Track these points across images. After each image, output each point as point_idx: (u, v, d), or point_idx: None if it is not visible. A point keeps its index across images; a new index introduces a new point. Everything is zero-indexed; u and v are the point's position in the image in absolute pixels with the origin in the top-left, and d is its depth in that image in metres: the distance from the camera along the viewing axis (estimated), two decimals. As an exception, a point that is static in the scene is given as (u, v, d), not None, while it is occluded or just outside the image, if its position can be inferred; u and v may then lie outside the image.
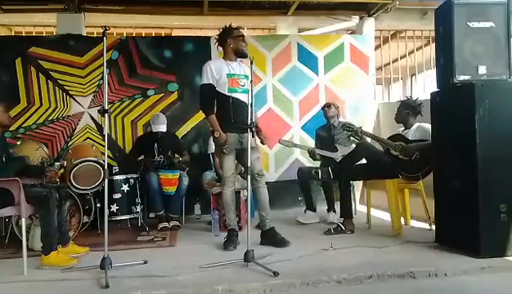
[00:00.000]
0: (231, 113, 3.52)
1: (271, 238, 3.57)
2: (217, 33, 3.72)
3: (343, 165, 4.17)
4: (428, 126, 3.86)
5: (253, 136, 3.19)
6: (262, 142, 3.71)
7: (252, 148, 3.48)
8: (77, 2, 5.26)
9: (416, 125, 4.00)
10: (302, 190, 4.67)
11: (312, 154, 4.59)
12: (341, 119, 4.91)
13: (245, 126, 3.13)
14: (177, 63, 5.38)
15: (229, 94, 3.53)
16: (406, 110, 4.03)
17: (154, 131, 4.63)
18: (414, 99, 4.11)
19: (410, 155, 3.82)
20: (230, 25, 3.64)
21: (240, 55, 3.62)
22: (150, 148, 4.63)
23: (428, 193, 3.78)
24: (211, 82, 3.55)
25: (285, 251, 3.35)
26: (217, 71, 3.54)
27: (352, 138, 4.51)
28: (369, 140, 4.29)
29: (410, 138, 3.93)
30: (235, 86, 3.55)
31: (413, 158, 3.79)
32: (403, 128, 4.11)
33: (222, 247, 3.52)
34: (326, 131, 4.71)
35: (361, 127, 4.22)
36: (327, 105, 4.72)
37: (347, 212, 4.00)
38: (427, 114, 3.61)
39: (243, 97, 3.52)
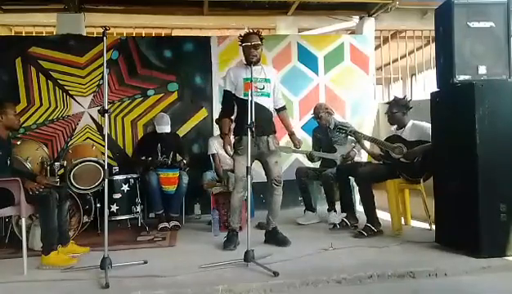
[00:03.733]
0: (247, 117, 3.52)
1: (273, 236, 3.63)
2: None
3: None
4: (422, 123, 3.88)
5: (252, 136, 3.18)
6: (295, 145, 3.76)
7: (272, 151, 3.59)
8: (77, 2, 5.25)
9: (410, 123, 3.97)
10: (300, 191, 4.66)
11: (311, 157, 4.60)
12: (339, 119, 4.91)
13: (246, 126, 3.12)
14: (177, 63, 5.37)
15: (245, 98, 3.51)
16: (400, 111, 3.98)
17: (158, 131, 4.63)
18: (401, 97, 4.09)
19: (411, 159, 3.81)
20: (246, 32, 3.67)
21: (247, 62, 3.60)
22: (153, 148, 4.62)
23: (428, 193, 3.78)
24: (229, 88, 3.66)
25: (285, 251, 3.36)
26: (236, 77, 3.63)
27: (349, 137, 4.53)
28: (368, 144, 4.28)
29: (408, 138, 3.89)
30: (249, 91, 3.54)
31: (414, 161, 3.79)
32: (396, 127, 4.08)
33: (222, 247, 3.52)
34: (323, 132, 4.70)
35: (353, 130, 4.15)
36: (317, 116, 4.65)
37: (348, 207, 4.00)
38: (427, 114, 3.61)
39: (261, 101, 3.54)
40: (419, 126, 3.89)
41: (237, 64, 3.88)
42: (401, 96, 4.12)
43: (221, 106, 3.84)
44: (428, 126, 3.82)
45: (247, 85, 3.54)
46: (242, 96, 3.59)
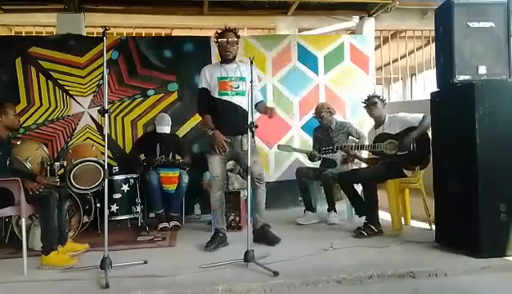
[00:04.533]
0: (221, 117, 3.54)
1: (263, 235, 3.59)
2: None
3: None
4: (398, 115, 3.99)
5: (252, 136, 3.17)
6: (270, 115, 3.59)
7: (246, 151, 3.45)
8: (77, 2, 5.26)
9: (387, 118, 4.03)
10: (300, 191, 4.66)
11: (312, 157, 4.59)
12: (340, 118, 4.92)
13: (246, 127, 3.10)
14: (177, 63, 5.37)
15: (219, 97, 3.55)
16: (381, 104, 4.07)
17: (158, 131, 4.64)
18: (375, 94, 4.23)
19: (407, 148, 3.83)
20: (222, 29, 3.61)
21: (222, 59, 3.61)
22: (152, 147, 4.63)
23: (428, 193, 3.78)
24: (205, 86, 3.62)
25: (285, 251, 3.35)
26: (211, 75, 3.60)
27: (350, 137, 4.56)
28: (365, 153, 4.28)
29: (393, 132, 3.92)
30: (226, 90, 3.55)
31: (411, 149, 3.81)
32: (374, 124, 4.15)
33: (221, 248, 3.51)
34: (324, 132, 4.70)
35: (338, 145, 4.18)
36: (318, 116, 4.65)
37: (366, 211, 3.96)
38: (427, 114, 3.62)
39: (236, 100, 3.52)
40: (397, 118, 3.97)
41: (213, 64, 3.84)
42: (374, 93, 4.27)
43: (197, 105, 3.73)
44: (404, 114, 3.96)
45: (222, 84, 3.54)
46: (216, 95, 3.56)
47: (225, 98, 3.55)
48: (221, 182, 3.63)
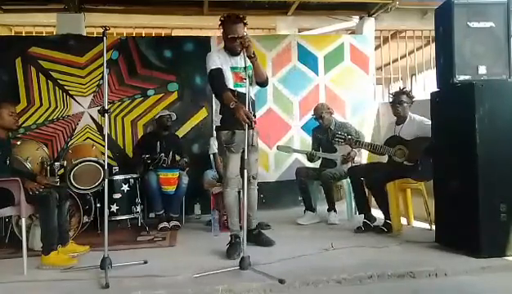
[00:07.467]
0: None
1: (256, 237, 3.52)
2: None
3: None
4: (420, 118, 3.89)
5: (252, 128, 3.11)
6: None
7: (254, 147, 3.40)
8: (77, 2, 5.26)
9: (408, 118, 3.95)
10: (300, 191, 4.66)
11: (311, 157, 4.59)
12: (340, 119, 4.91)
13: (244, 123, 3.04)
14: (177, 63, 5.37)
15: (235, 88, 3.33)
16: (408, 102, 3.95)
17: (161, 114, 4.75)
18: (404, 89, 4.09)
19: (414, 161, 3.79)
20: (229, 16, 3.35)
21: (232, 52, 3.35)
22: (153, 146, 4.65)
23: (428, 193, 3.78)
24: (219, 66, 3.30)
25: (285, 251, 3.34)
26: (222, 62, 3.34)
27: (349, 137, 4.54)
28: (365, 151, 4.27)
29: (406, 136, 3.87)
30: (238, 81, 3.35)
31: (419, 162, 3.76)
32: (395, 121, 4.05)
33: (221, 248, 3.48)
34: (323, 132, 4.69)
35: (352, 138, 4.06)
36: (319, 116, 4.63)
37: (366, 208, 4.07)
38: (427, 114, 3.61)
39: (246, 91, 3.23)
40: (417, 120, 3.90)
41: (218, 50, 3.50)
42: (406, 89, 4.11)
43: (212, 86, 3.39)
44: (424, 119, 3.85)
45: (235, 75, 3.33)
46: (232, 87, 3.31)
47: (240, 89, 3.32)
48: (239, 181, 3.38)
